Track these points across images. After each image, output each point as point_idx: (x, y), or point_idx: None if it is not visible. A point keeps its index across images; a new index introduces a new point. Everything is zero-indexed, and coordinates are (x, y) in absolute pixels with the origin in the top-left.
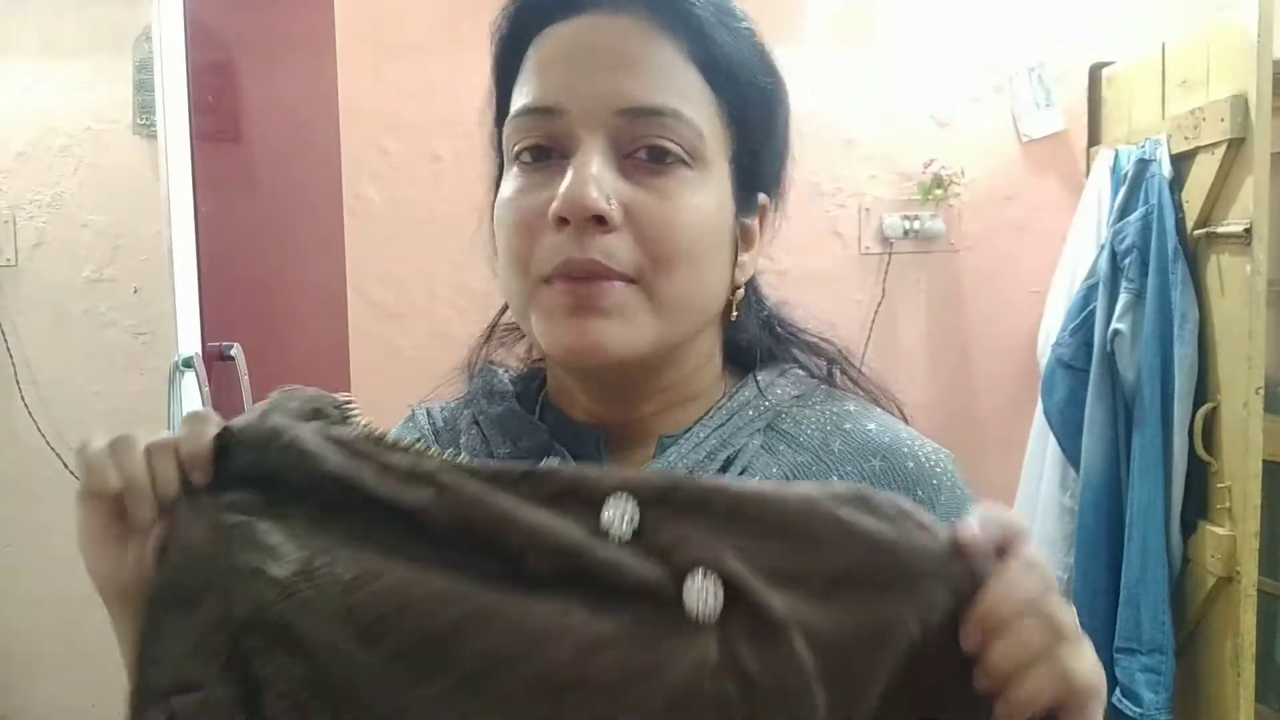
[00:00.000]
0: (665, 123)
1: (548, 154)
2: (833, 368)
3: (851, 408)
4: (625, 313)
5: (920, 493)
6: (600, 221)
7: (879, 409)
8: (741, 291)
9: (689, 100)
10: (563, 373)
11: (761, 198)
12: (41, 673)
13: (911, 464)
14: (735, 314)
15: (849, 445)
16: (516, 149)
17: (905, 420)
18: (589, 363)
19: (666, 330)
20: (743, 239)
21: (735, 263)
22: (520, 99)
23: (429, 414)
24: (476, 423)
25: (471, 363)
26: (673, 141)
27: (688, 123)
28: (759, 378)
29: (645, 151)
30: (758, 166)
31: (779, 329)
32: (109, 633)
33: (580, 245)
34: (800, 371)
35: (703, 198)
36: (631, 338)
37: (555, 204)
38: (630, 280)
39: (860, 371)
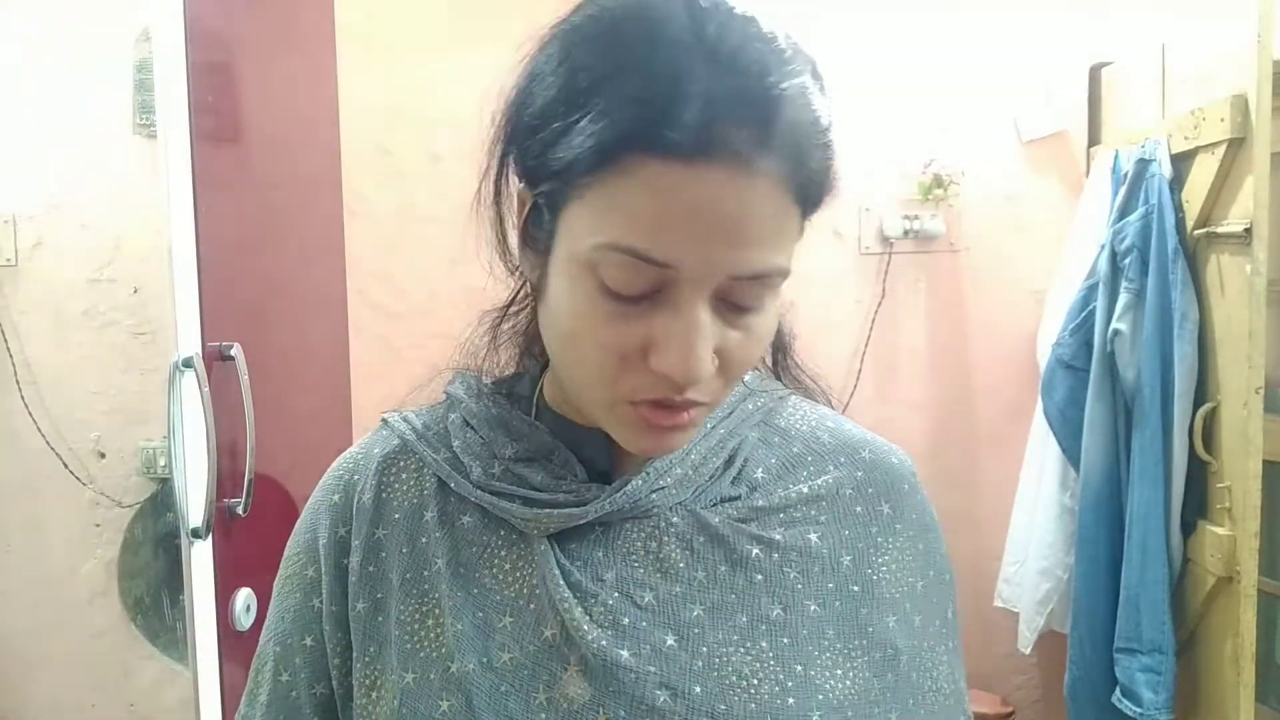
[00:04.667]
0: (770, 281)
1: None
2: (777, 354)
3: (826, 410)
4: (698, 422)
5: (906, 486)
6: None
7: (843, 416)
8: None
9: (789, 245)
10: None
11: None
12: (41, 673)
13: (895, 460)
14: None
15: (837, 439)
16: (609, 283)
17: None
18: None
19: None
20: None
21: None
22: (628, 237)
23: (406, 420)
24: (470, 425)
25: (472, 358)
26: (770, 289)
27: (784, 271)
28: (746, 380)
29: (740, 293)
30: None
31: None
32: (109, 633)
33: (678, 390)
34: (773, 380)
35: (774, 311)
36: (694, 436)
37: (671, 369)
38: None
39: (797, 364)
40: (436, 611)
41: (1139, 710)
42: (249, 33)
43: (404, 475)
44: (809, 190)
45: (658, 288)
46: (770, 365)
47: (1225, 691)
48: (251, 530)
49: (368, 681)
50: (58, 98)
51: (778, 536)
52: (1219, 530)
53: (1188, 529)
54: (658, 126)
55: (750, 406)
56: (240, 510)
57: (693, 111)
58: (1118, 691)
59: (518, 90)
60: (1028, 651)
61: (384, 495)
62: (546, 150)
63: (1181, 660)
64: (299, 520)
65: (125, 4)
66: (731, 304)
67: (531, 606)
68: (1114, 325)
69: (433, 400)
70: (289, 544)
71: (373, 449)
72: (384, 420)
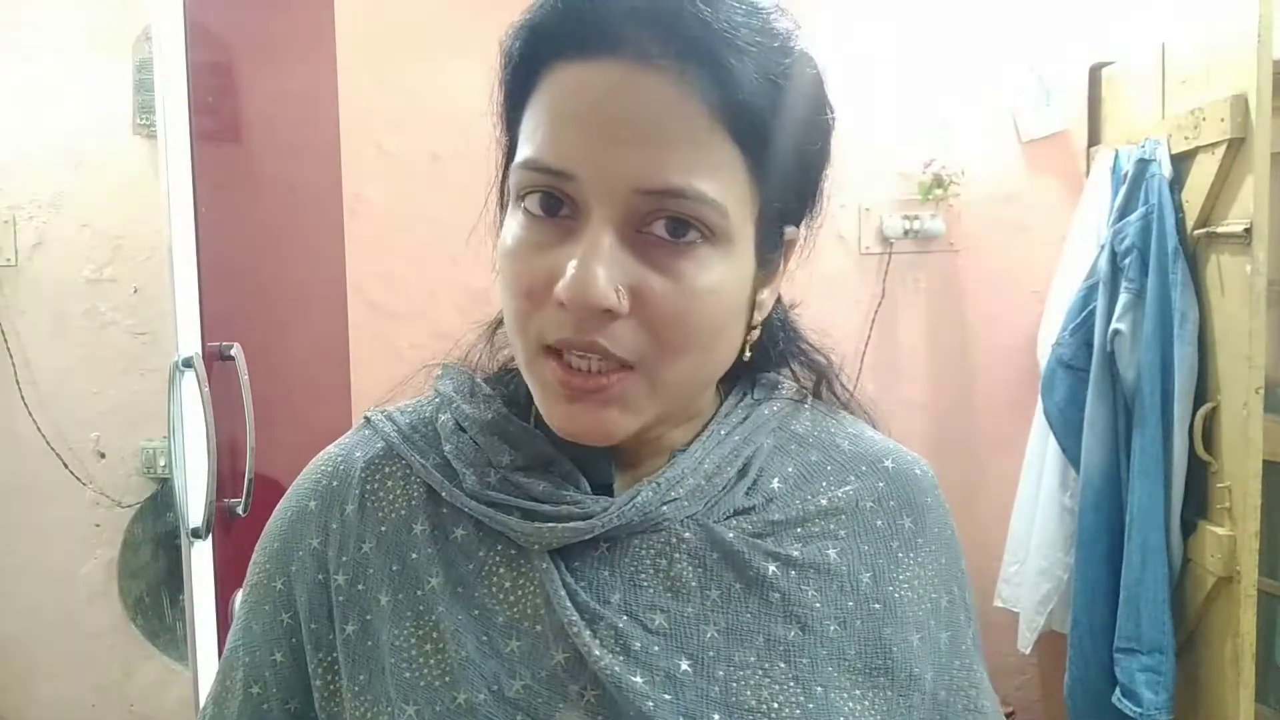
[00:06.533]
0: (686, 204)
1: (558, 204)
2: (821, 384)
3: (847, 417)
4: (624, 402)
5: (929, 499)
6: (606, 310)
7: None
8: (757, 332)
9: (715, 175)
10: None
11: (790, 231)
12: (42, 672)
13: (918, 471)
14: (749, 354)
15: (858, 447)
16: (522, 194)
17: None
18: (587, 443)
19: (666, 407)
20: (764, 278)
21: (750, 315)
22: (531, 149)
23: (390, 419)
24: (462, 428)
25: (468, 360)
26: (693, 219)
27: (711, 203)
28: (762, 381)
29: (663, 225)
30: (787, 209)
31: (781, 337)
32: (109, 633)
33: (580, 329)
34: (791, 384)
35: (720, 275)
36: (630, 422)
37: (560, 288)
38: (629, 367)
39: (846, 389)
40: (435, 635)
41: (1139, 710)
42: (249, 33)
43: (389, 483)
44: (740, 115)
45: (570, 211)
46: (814, 389)
47: (1225, 691)
48: (251, 530)
49: (358, 713)
50: (58, 97)
51: (795, 553)
52: (1219, 530)
53: (1188, 529)
54: (556, 26)
55: (766, 412)
56: (240, 510)
57: (587, 5)
58: (1118, 691)
59: None
60: (1028, 651)
61: (368, 506)
62: (506, 111)
63: (1181, 660)
64: (269, 522)
65: (125, 4)
66: (654, 238)
67: (538, 629)
68: (1114, 325)
69: (419, 395)
70: (258, 547)
71: (354, 452)
72: (366, 419)
